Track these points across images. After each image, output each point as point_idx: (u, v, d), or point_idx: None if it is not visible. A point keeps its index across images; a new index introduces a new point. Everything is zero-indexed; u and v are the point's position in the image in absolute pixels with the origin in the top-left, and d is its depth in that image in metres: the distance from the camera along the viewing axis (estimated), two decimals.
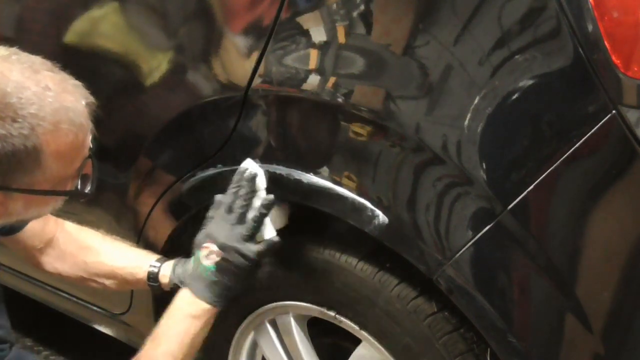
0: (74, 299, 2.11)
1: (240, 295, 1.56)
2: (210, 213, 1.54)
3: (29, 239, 1.66)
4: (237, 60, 1.57)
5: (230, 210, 1.50)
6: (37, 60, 1.27)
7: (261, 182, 1.51)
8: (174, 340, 1.49)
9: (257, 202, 1.50)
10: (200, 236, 1.53)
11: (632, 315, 1.32)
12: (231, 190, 1.52)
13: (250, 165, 1.52)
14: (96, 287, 1.71)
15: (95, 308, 2.08)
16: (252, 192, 1.50)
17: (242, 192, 1.50)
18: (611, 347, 1.33)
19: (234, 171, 1.54)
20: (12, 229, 1.61)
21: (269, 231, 1.52)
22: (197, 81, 1.64)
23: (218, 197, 1.54)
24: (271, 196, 1.51)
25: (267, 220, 1.52)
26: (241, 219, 1.49)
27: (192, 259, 1.53)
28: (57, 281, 2.12)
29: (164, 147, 1.73)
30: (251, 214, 1.50)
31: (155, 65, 1.71)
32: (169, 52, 1.68)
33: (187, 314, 1.50)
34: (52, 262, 1.70)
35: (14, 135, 1.20)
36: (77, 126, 1.27)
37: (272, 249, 1.52)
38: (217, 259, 1.49)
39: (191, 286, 1.51)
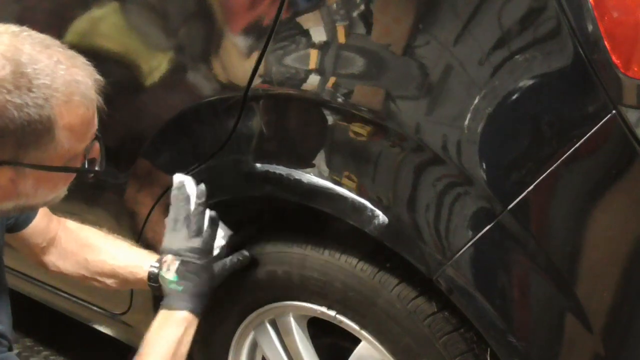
0: (74, 299, 2.11)
1: (211, 297, 1.60)
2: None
3: (32, 237, 1.66)
4: (237, 60, 1.56)
5: (175, 222, 1.58)
6: (47, 37, 1.28)
7: (190, 188, 1.59)
8: (159, 351, 1.51)
9: (191, 206, 1.59)
10: (161, 251, 1.60)
11: (632, 315, 1.32)
12: (171, 207, 1.60)
13: (178, 178, 1.61)
14: (97, 286, 1.72)
15: (95, 308, 2.07)
16: (186, 198, 1.59)
17: (179, 203, 1.58)
18: (611, 347, 1.33)
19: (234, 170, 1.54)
20: (17, 226, 1.61)
21: (221, 235, 1.62)
22: (197, 81, 1.64)
23: (166, 219, 1.62)
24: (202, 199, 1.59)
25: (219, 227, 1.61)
26: (184, 224, 1.57)
27: (160, 277, 1.58)
28: (59, 280, 2.12)
29: (164, 147, 1.73)
30: (191, 216, 1.58)
31: (155, 65, 1.71)
32: (169, 52, 1.68)
33: (168, 325, 1.53)
34: (54, 261, 1.71)
35: (30, 104, 1.20)
36: (88, 100, 1.28)
37: (213, 232, 1.60)
38: (175, 266, 1.55)
39: (165, 306, 1.56)
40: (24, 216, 1.62)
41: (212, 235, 1.59)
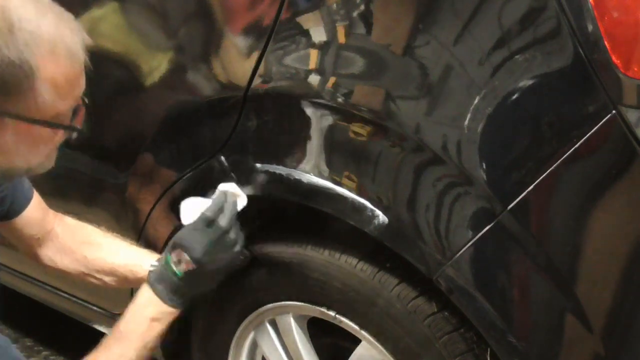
0: (74, 299, 2.11)
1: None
2: (185, 218, 1.56)
3: (26, 227, 1.64)
4: (237, 60, 1.57)
5: (209, 224, 1.52)
6: None
7: (241, 206, 1.55)
8: (132, 343, 1.51)
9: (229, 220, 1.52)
10: (175, 239, 1.54)
11: (632, 315, 1.32)
12: (213, 205, 1.53)
13: (233, 189, 1.55)
14: (95, 283, 1.70)
15: (95, 308, 2.08)
16: (235, 214, 1.53)
17: (227, 212, 1.52)
18: (611, 347, 1.33)
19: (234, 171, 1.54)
20: (10, 213, 1.59)
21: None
22: (197, 81, 1.64)
23: (189, 202, 1.56)
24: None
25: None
26: (220, 233, 1.51)
27: (163, 258, 1.55)
28: (55, 278, 2.12)
29: (164, 147, 1.73)
30: (231, 230, 1.52)
31: (155, 65, 1.71)
32: (169, 52, 1.69)
33: (148, 317, 1.52)
34: (50, 255, 1.69)
35: (10, 47, 1.19)
36: (73, 56, 1.26)
37: (241, 262, 1.57)
38: (187, 269, 1.52)
39: (154, 287, 1.53)
40: (17, 203, 1.60)
41: (236, 261, 1.57)
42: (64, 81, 1.26)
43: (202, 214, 1.53)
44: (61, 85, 1.26)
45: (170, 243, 1.55)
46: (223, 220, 1.52)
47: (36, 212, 1.64)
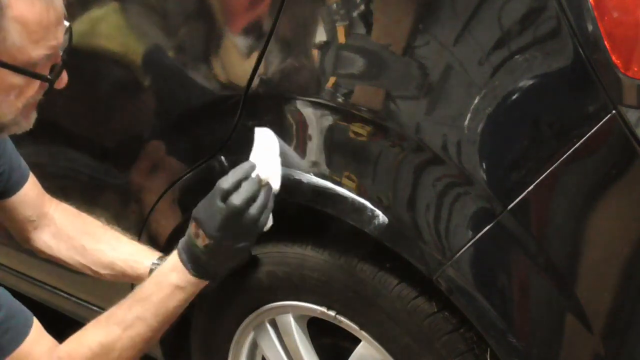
0: (74, 299, 2.11)
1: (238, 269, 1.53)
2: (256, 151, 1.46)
3: (21, 206, 1.59)
4: (237, 60, 1.57)
5: (224, 198, 1.41)
6: None
7: (275, 183, 1.45)
8: (152, 307, 1.45)
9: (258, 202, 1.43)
10: (194, 212, 1.46)
11: (632, 315, 1.32)
12: (233, 177, 1.42)
13: (265, 140, 1.45)
14: (89, 275, 1.67)
15: (95, 308, 2.07)
16: (257, 193, 1.43)
17: (243, 191, 1.41)
18: (611, 347, 1.33)
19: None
20: (6, 191, 1.55)
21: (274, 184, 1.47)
22: (197, 81, 1.64)
23: (264, 134, 1.47)
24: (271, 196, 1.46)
25: (277, 173, 1.46)
26: (248, 210, 1.41)
27: (188, 228, 1.48)
28: (55, 278, 2.12)
29: (164, 147, 1.73)
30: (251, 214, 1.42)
31: (155, 65, 1.71)
32: (169, 52, 1.68)
33: (172, 283, 1.46)
34: (45, 240, 1.65)
35: None
36: (48, 1, 1.20)
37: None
38: (205, 243, 1.44)
39: (180, 254, 1.47)
40: (14, 180, 1.56)
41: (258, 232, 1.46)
42: (37, 25, 1.19)
43: (217, 184, 1.43)
44: (33, 29, 1.19)
45: (193, 212, 1.47)
46: (237, 199, 1.40)
47: (32, 192, 1.59)
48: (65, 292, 2.13)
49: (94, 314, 2.09)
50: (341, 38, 1.42)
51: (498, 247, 1.33)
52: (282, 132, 1.55)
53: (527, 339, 1.35)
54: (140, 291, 1.47)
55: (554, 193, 1.28)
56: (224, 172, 1.60)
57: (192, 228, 1.46)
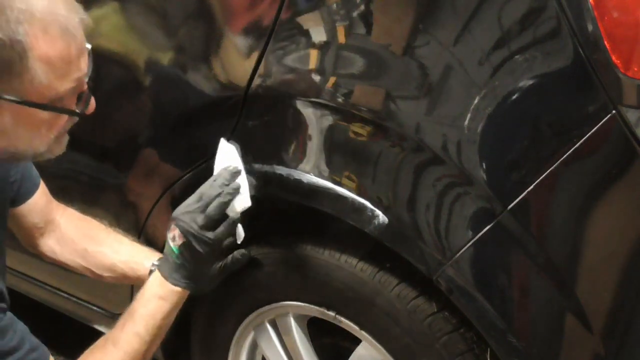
0: (74, 299, 2.11)
1: (215, 280, 1.56)
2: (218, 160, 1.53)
3: (30, 215, 1.62)
4: (237, 60, 1.56)
5: (200, 198, 1.49)
6: None
7: (245, 202, 1.51)
8: (141, 321, 1.50)
9: (226, 191, 1.49)
10: (172, 215, 1.52)
11: (632, 315, 1.32)
12: (210, 180, 1.51)
13: (227, 154, 1.51)
14: (91, 278, 1.69)
15: (95, 308, 2.07)
16: (228, 184, 1.49)
17: (219, 182, 1.49)
18: (611, 347, 1.33)
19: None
20: (18, 198, 1.58)
21: (242, 202, 1.51)
22: (197, 81, 1.64)
23: (224, 147, 1.53)
24: (237, 177, 1.50)
25: (244, 190, 1.51)
26: (204, 208, 1.49)
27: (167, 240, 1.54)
28: (55, 278, 2.12)
29: (164, 147, 1.73)
30: (214, 203, 1.48)
31: (155, 65, 1.71)
32: (169, 52, 1.68)
33: (155, 295, 1.51)
34: (51, 245, 1.68)
35: (0, 26, 1.16)
36: (69, 35, 1.22)
37: (231, 231, 1.53)
38: (180, 242, 1.50)
39: (160, 267, 1.53)
40: (25, 188, 1.58)
41: (227, 231, 1.51)
42: (61, 61, 1.22)
43: (198, 190, 1.51)
44: (57, 65, 1.22)
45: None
46: (211, 210, 1.48)
47: (41, 200, 1.62)
48: (65, 292, 2.13)
49: (93, 314, 2.10)
50: (341, 38, 1.42)
51: (498, 247, 1.33)
52: (282, 132, 1.55)
53: (527, 339, 1.35)
54: (130, 308, 1.53)
55: (554, 193, 1.28)
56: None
57: (170, 234, 1.52)
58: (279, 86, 1.52)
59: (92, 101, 1.33)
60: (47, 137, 1.30)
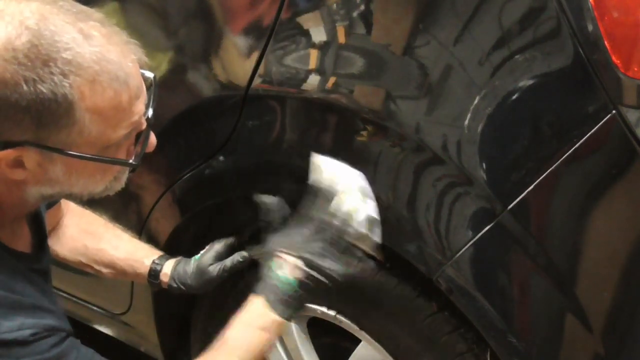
0: (74, 299, 2.11)
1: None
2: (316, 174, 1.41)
3: (47, 220, 1.55)
4: (237, 60, 1.56)
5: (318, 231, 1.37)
6: (87, 9, 1.15)
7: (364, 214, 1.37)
8: (239, 352, 1.41)
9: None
10: (271, 244, 1.41)
11: (632, 315, 1.32)
12: (322, 214, 1.37)
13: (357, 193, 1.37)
14: (90, 272, 1.66)
15: (95, 308, 2.07)
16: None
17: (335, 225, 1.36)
18: (611, 347, 1.33)
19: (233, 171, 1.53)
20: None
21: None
22: (197, 81, 1.64)
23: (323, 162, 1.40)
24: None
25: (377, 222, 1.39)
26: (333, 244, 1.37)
27: (265, 266, 1.41)
28: (55, 278, 2.12)
29: (164, 147, 1.72)
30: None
31: (155, 65, 1.71)
32: (169, 52, 1.68)
33: (257, 326, 1.41)
34: (51, 244, 1.60)
35: (44, 80, 1.09)
36: (120, 83, 1.15)
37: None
38: (300, 276, 1.37)
39: (264, 295, 1.39)
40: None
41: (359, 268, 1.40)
42: (111, 110, 1.15)
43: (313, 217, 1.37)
44: (108, 115, 1.15)
45: (266, 247, 1.42)
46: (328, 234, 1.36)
47: (58, 207, 1.59)
48: (65, 292, 2.13)
49: (94, 314, 2.10)
50: (341, 38, 1.42)
51: (498, 247, 1.33)
52: (282, 132, 1.55)
53: (527, 339, 1.35)
54: (225, 337, 1.43)
55: (554, 193, 1.28)
56: (224, 171, 1.60)
57: (276, 261, 1.38)
58: (278, 86, 1.52)
59: (152, 138, 1.27)
60: (102, 182, 1.26)
